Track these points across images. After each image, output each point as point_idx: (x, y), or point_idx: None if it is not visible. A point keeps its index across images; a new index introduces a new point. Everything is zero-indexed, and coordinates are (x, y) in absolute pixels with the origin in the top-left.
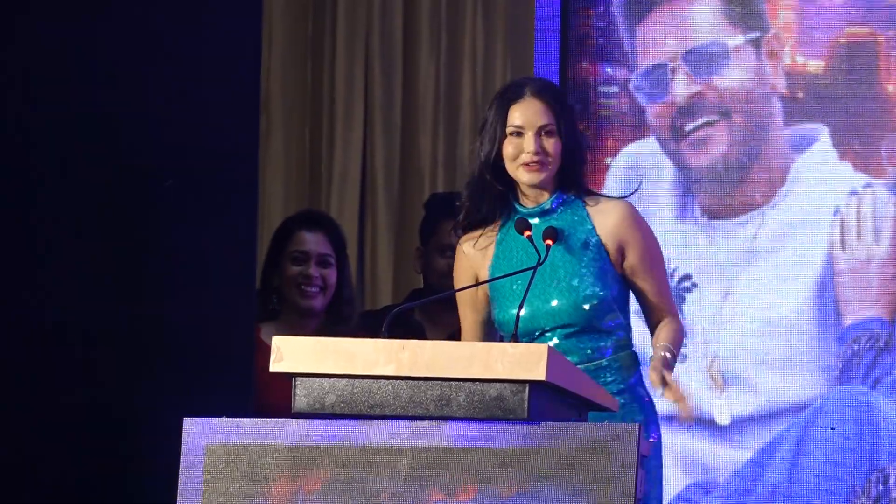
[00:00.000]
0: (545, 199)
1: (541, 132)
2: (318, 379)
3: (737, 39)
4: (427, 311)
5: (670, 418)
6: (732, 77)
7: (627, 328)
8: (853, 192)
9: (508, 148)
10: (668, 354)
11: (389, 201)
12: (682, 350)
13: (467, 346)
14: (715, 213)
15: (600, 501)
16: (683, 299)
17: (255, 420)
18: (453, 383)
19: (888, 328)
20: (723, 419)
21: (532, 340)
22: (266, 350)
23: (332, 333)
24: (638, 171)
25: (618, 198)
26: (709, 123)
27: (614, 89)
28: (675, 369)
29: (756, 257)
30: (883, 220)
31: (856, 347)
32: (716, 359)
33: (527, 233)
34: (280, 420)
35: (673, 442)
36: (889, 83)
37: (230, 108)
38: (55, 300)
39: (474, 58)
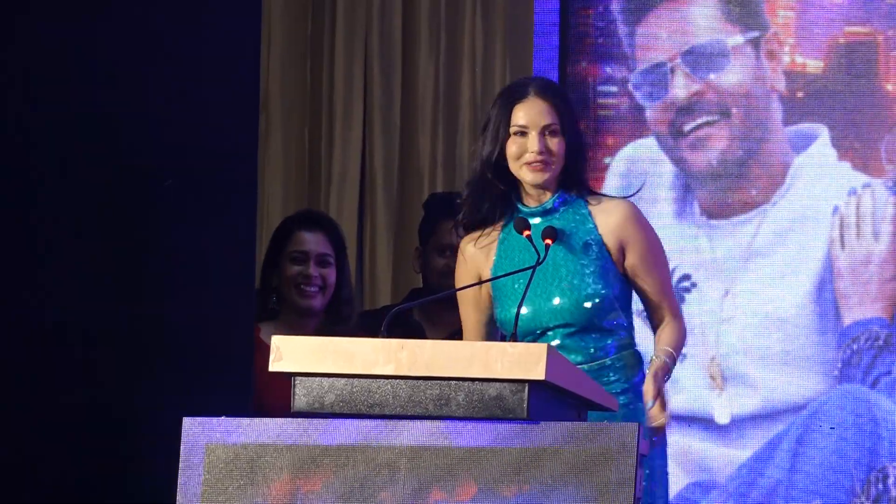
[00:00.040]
0: (548, 198)
1: (545, 132)
2: (317, 378)
3: (736, 39)
4: (426, 311)
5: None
6: (732, 76)
7: (630, 328)
8: (852, 192)
9: (512, 147)
10: (668, 361)
11: (388, 201)
12: (682, 349)
13: (467, 346)
14: (714, 213)
15: (600, 501)
16: (683, 298)
17: (254, 419)
18: (453, 383)
19: (887, 327)
20: (722, 418)
21: (535, 340)
22: (265, 350)
23: (332, 333)
24: (637, 170)
25: (620, 197)
26: (708, 123)
27: (614, 89)
28: (675, 369)
29: (755, 256)
30: (882, 218)
31: (855, 347)
32: (715, 358)
33: (526, 232)
34: (279, 419)
35: (673, 441)
36: (888, 82)
37: (230, 108)
38: (55, 300)
39: (473, 58)
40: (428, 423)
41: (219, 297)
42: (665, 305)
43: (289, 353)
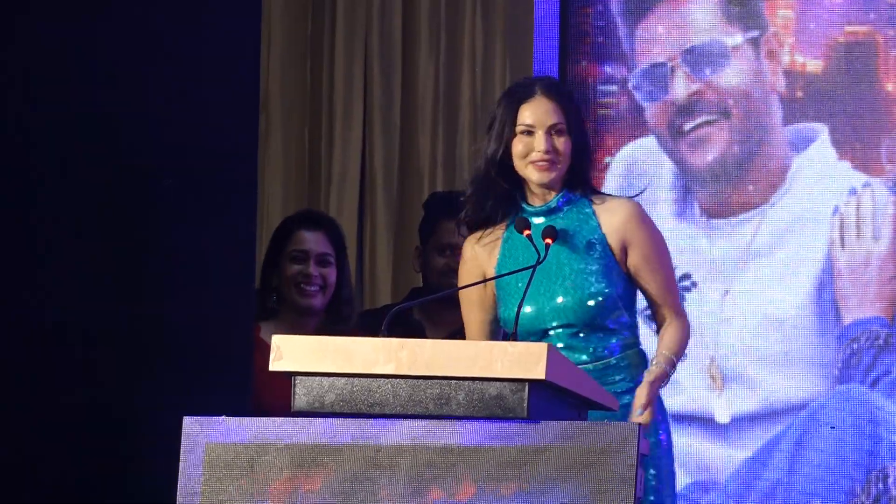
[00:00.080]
0: (552, 197)
1: (551, 131)
2: (317, 378)
3: (736, 39)
4: (426, 311)
5: (672, 418)
6: (731, 76)
7: (634, 327)
8: (852, 192)
9: (518, 146)
10: (667, 369)
11: (388, 201)
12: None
13: (467, 345)
14: (714, 213)
15: (600, 500)
16: (683, 298)
17: (254, 419)
18: (453, 382)
19: (887, 327)
20: (722, 418)
21: (539, 340)
22: (266, 349)
23: (332, 332)
24: (637, 170)
25: (624, 197)
26: (708, 122)
27: (613, 88)
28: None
29: (755, 256)
30: (882, 218)
31: (855, 347)
32: (715, 358)
33: (526, 232)
34: (279, 419)
35: (672, 441)
36: (888, 82)
37: (230, 108)
38: (55, 300)
39: (473, 57)
40: (428, 423)
41: (219, 296)
42: (668, 305)
43: (289, 352)
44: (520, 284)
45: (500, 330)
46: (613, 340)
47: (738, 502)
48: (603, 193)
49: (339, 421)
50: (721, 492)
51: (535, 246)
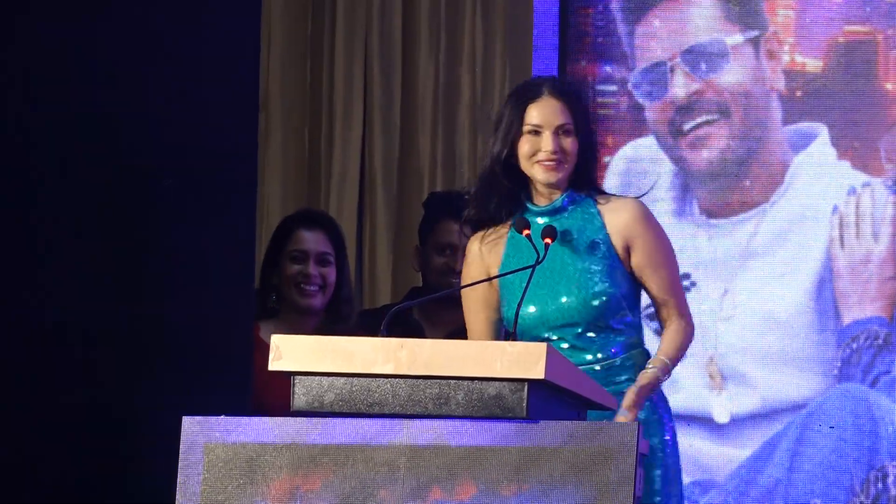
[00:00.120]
0: (557, 197)
1: (558, 131)
2: (316, 377)
3: (736, 38)
4: (426, 310)
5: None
6: (731, 76)
7: (638, 327)
8: (852, 191)
9: (525, 146)
10: (660, 375)
11: (388, 201)
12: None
13: (466, 345)
14: (714, 212)
15: (600, 500)
16: None
17: (253, 418)
18: (452, 382)
19: (887, 326)
20: (721, 418)
21: (544, 339)
22: (265, 348)
23: (331, 332)
24: (636, 169)
25: (629, 197)
26: (708, 122)
27: (613, 88)
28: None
29: (755, 256)
30: (881, 218)
31: (854, 346)
32: (714, 357)
33: (525, 231)
34: (279, 418)
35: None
36: (887, 81)
37: (230, 108)
38: (55, 300)
39: (473, 58)
40: (427, 423)
41: (219, 297)
42: (671, 305)
43: (288, 352)
44: (524, 284)
45: (504, 329)
46: (618, 340)
47: (737, 501)
48: (608, 193)
49: (339, 421)
50: (720, 491)
51: (534, 246)
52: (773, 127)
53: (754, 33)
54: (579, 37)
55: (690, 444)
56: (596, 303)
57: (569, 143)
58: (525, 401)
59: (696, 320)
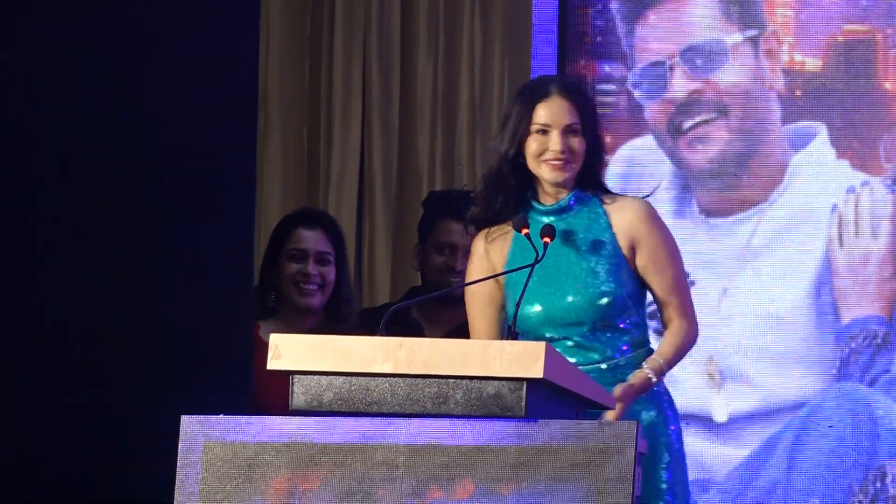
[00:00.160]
0: (564, 196)
1: (566, 131)
2: (315, 376)
3: (735, 37)
4: (425, 310)
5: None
6: (730, 75)
7: (643, 326)
8: (851, 190)
9: (533, 145)
10: (652, 377)
11: (387, 201)
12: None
13: (465, 344)
14: (713, 211)
15: (598, 499)
16: None
17: (252, 417)
18: (451, 381)
19: (886, 326)
20: (720, 417)
21: (550, 339)
22: (265, 348)
23: (331, 331)
24: (635, 168)
25: (636, 197)
26: (707, 121)
27: (612, 87)
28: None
29: (754, 255)
30: (881, 217)
31: (853, 345)
32: (713, 356)
33: (524, 230)
34: (278, 418)
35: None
36: (887, 80)
37: (230, 108)
38: (55, 300)
39: (472, 58)
40: (426, 422)
41: (219, 296)
42: (674, 306)
43: (287, 351)
44: (530, 282)
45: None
46: (624, 340)
47: (736, 501)
48: (614, 193)
49: (337, 420)
50: (719, 490)
51: (532, 245)
52: (773, 126)
53: (753, 32)
54: (578, 36)
55: (689, 443)
56: (602, 302)
57: (576, 142)
58: (524, 400)
59: None
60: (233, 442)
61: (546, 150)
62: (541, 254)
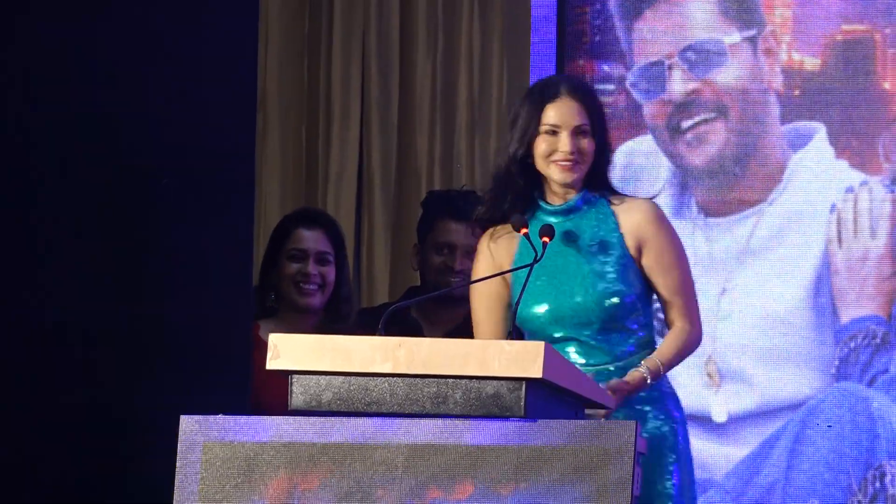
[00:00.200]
0: (572, 196)
1: (576, 132)
2: (314, 376)
3: (733, 37)
4: (424, 309)
5: None
6: (729, 74)
7: (650, 326)
8: (850, 189)
9: (542, 145)
10: (647, 377)
11: (386, 200)
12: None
13: (464, 344)
14: (711, 210)
15: (598, 499)
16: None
17: (251, 417)
18: (450, 381)
19: (885, 325)
20: (719, 417)
21: (559, 339)
22: (264, 347)
23: (331, 331)
24: (634, 167)
25: (643, 198)
26: (705, 121)
27: (611, 87)
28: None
29: (753, 254)
30: (879, 216)
31: (852, 345)
32: (712, 356)
33: (523, 230)
34: (277, 418)
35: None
36: (885, 80)
37: (230, 108)
38: (55, 300)
39: (471, 57)
40: (425, 422)
41: (218, 296)
42: (678, 308)
43: (286, 350)
44: (538, 283)
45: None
46: (631, 340)
47: (735, 500)
48: (622, 194)
49: (337, 420)
50: (718, 490)
51: (532, 245)
52: (771, 125)
53: (752, 32)
54: (577, 36)
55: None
56: (610, 303)
57: (586, 143)
58: (523, 400)
59: None
60: (232, 442)
61: (555, 150)
62: (540, 253)
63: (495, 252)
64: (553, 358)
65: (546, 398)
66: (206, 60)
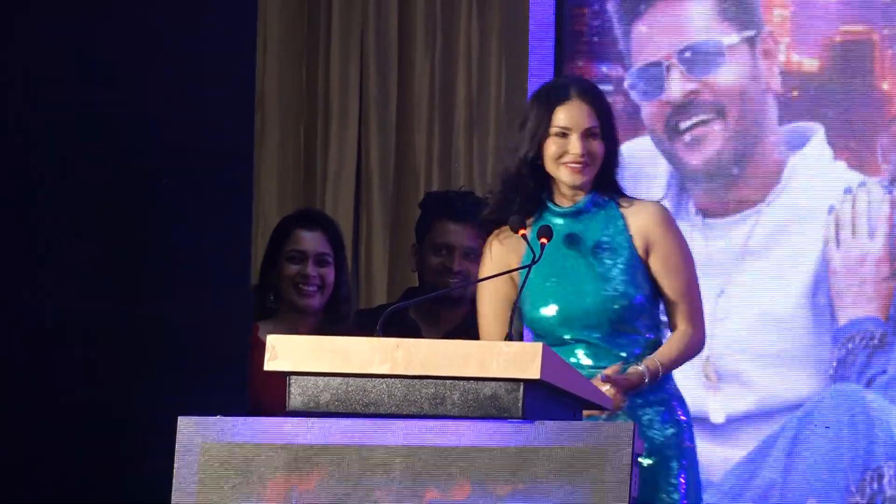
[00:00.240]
0: (581, 198)
1: (586, 134)
2: (312, 377)
3: (732, 38)
4: (422, 310)
5: None
6: (727, 75)
7: (657, 328)
8: (848, 191)
9: (552, 147)
10: (647, 375)
11: (384, 199)
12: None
13: (462, 345)
14: (709, 212)
15: (596, 500)
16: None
17: (249, 418)
18: (448, 382)
19: (882, 327)
20: (717, 418)
21: (567, 340)
22: (263, 348)
23: (330, 332)
24: (632, 168)
25: (652, 200)
26: (703, 122)
27: (609, 88)
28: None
29: (751, 256)
30: (877, 217)
31: (850, 346)
32: (710, 357)
33: (522, 232)
34: (275, 418)
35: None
36: (883, 81)
37: (229, 108)
38: (55, 300)
39: (469, 56)
40: (423, 423)
41: (218, 297)
42: (682, 311)
43: (284, 351)
44: (547, 285)
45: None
46: (640, 342)
47: (733, 501)
48: (630, 196)
49: (335, 421)
50: (716, 491)
51: (530, 246)
52: (769, 126)
53: (750, 33)
54: (575, 36)
55: None
56: (619, 305)
57: (595, 146)
58: (521, 401)
59: None
60: (230, 443)
61: (565, 152)
62: (537, 255)
63: (503, 253)
64: (551, 359)
65: (544, 399)
66: (205, 60)
